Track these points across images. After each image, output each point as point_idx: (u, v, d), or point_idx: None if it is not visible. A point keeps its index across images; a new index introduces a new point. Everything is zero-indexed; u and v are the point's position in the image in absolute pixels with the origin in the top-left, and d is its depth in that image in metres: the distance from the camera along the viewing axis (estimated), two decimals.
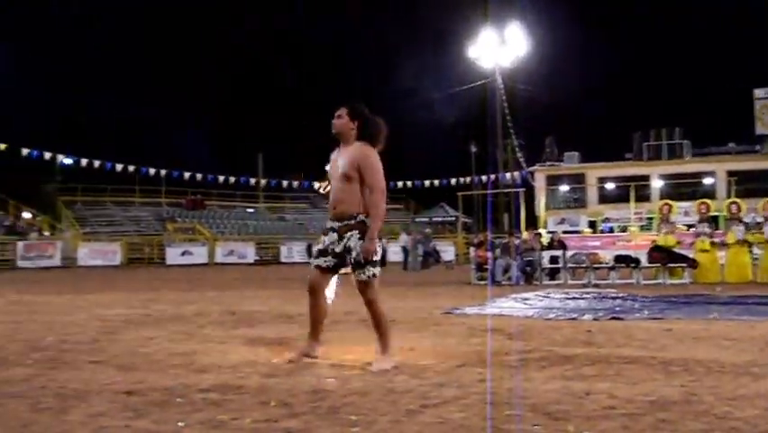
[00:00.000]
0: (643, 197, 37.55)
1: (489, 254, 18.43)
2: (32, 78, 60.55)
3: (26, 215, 40.50)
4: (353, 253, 5.39)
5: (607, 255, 17.89)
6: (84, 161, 39.03)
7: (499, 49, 42.90)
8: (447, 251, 38.41)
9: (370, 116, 5.63)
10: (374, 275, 5.45)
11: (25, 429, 3.60)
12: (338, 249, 5.51)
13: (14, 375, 5.06)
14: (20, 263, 33.22)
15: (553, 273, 18.07)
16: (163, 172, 42.22)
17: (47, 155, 37.99)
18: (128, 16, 67.06)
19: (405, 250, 31.62)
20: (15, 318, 9.17)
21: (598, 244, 21.81)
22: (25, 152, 36.74)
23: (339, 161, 5.54)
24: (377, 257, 5.45)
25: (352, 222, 5.43)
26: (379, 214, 5.41)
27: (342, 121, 5.59)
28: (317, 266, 5.68)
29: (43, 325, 8.36)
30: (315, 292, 5.77)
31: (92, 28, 65.01)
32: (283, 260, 41.47)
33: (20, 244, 34.29)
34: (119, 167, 39.65)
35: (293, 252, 42.17)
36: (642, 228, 31.08)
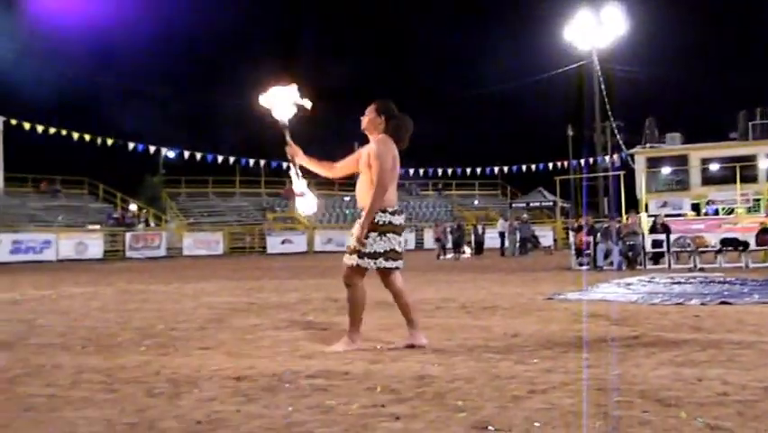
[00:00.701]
0: (749, 178, 36.22)
1: (589, 238, 18.14)
2: (138, 75, 62.50)
3: (133, 207, 41.89)
4: (350, 241, 5.74)
5: (712, 239, 17.39)
6: (186, 154, 40.19)
7: (596, 30, 42.04)
8: (545, 236, 37.97)
9: (397, 114, 5.79)
10: (357, 265, 5.70)
11: (142, 414, 3.73)
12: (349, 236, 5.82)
13: (129, 362, 5.24)
14: (128, 254, 34.40)
15: (656, 258, 17.66)
16: (262, 163, 43.08)
17: (152, 149, 39.28)
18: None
19: (502, 235, 31.40)
20: (127, 307, 9.51)
21: (702, 227, 21.16)
22: (131, 146, 38.09)
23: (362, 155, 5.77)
24: (368, 248, 5.63)
25: (363, 213, 5.68)
26: (372, 207, 5.58)
27: (369, 117, 5.80)
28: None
29: (153, 313, 8.66)
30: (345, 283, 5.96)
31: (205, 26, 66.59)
32: None
33: (128, 235, 35.50)
34: (220, 159, 40.69)
35: None
36: (749, 210, 30.03)
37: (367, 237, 5.60)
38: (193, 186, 47.05)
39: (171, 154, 41.98)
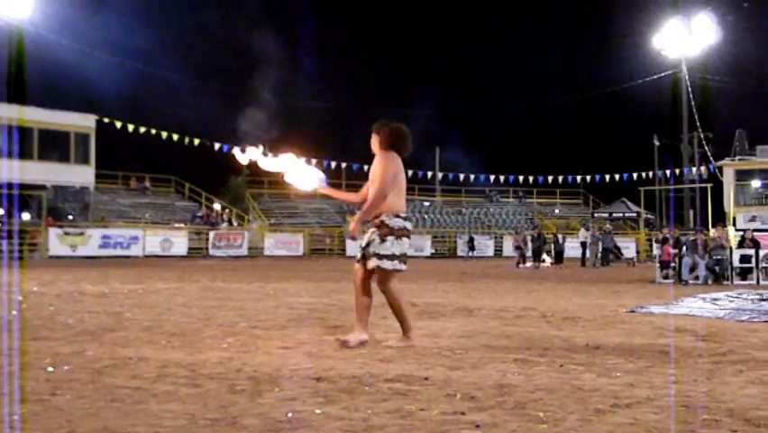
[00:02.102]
0: None
1: (674, 251, 17.73)
2: (224, 76, 63.78)
3: (217, 206, 42.75)
4: (370, 247, 6.08)
5: None
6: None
7: (686, 39, 41.12)
8: (628, 247, 37.22)
9: (391, 126, 6.32)
10: (378, 267, 6.06)
11: (224, 410, 3.79)
12: (363, 243, 6.21)
13: (212, 358, 5.34)
14: (211, 252, 35.08)
15: (744, 273, 17.15)
16: (344, 165, 43.44)
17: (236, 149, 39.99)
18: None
19: (584, 245, 30.94)
20: (210, 304, 9.70)
21: None
22: (217, 146, 38.86)
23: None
24: (386, 251, 6.02)
25: (375, 220, 6.11)
26: (369, 205, 6.10)
27: (372, 141, 6.38)
28: (358, 259, 6.31)
29: (235, 311, 8.80)
30: (355, 283, 6.37)
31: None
32: (459, 253, 41.57)
33: (211, 234, 36.22)
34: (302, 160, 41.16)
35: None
36: None
37: (384, 240, 6.01)
38: (275, 187, 47.71)
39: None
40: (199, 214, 40.14)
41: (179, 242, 34.75)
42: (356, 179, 46.56)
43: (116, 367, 4.94)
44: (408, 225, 6.16)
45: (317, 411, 3.75)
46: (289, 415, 3.67)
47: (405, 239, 6.09)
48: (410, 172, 45.27)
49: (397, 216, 6.04)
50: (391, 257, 6.00)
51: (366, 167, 6.77)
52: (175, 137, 37.36)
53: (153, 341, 6.20)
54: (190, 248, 35.05)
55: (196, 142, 37.99)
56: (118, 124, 36.15)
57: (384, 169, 6.07)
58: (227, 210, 42.56)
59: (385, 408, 3.84)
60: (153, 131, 36.87)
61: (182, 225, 37.95)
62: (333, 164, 42.68)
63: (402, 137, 6.28)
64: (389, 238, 5.97)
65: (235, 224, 41.29)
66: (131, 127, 36.33)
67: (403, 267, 6.12)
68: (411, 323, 6.23)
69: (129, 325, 7.29)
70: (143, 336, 6.52)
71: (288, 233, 40.36)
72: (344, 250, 39.44)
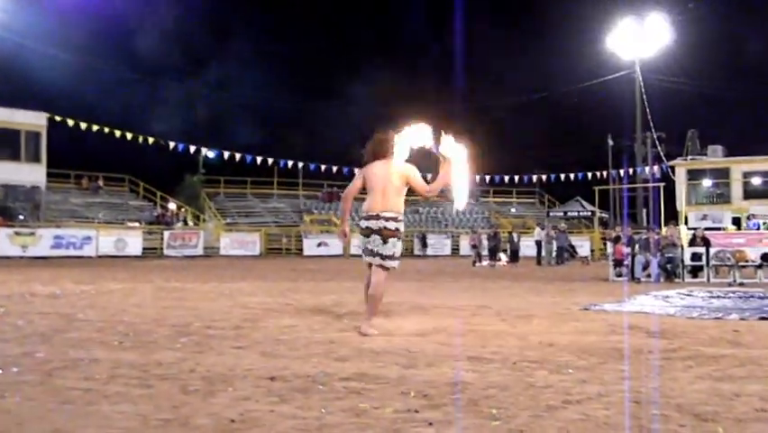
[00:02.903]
0: None
1: (627, 250, 17.96)
2: (178, 75, 63.20)
3: (172, 205, 42.32)
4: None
5: (753, 253, 17.12)
6: (226, 155, 40.54)
7: (639, 39, 41.68)
8: (582, 246, 37.66)
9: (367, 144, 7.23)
10: (395, 268, 7.02)
11: (176, 410, 3.76)
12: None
13: (164, 358, 5.29)
14: (166, 252, 34.73)
15: (695, 271, 17.44)
16: (301, 165, 43.32)
17: (192, 149, 39.68)
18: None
19: (539, 244, 31.20)
20: (163, 304, 9.60)
21: (743, 241, 20.83)
22: (172, 145, 38.50)
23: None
24: (399, 253, 7.01)
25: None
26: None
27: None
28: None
29: (189, 311, 8.72)
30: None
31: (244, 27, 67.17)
32: (416, 252, 41.68)
33: (166, 234, 35.85)
34: (259, 160, 40.97)
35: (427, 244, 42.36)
36: None
37: (387, 242, 6.83)
38: (231, 186, 47.44)
39: (211, 154, 42.37)
40: (154, 213, 39.72)
41: (134, 242, 34.32)
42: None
43: (67, 369, 4.88)
44: (369, 225, 6.87)
45: (271, 411, 3.74)
46: (242, 415, 3.65)
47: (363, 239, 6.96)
48: None
49: (399, 220, 6.96)
50: (396, 258, 7.00)
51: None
52: (129, 135, 36.91)
53: (105, 342, 6.12)
54: (145, 248, 34.65)
55: (151, 140, 37.58)
56: (70, 122, 35.57)
57: (355, 179, 7.24)
58: (182, 209, 42.17)
59: (339, 406, 3.84)
60: (106, 129, 36.38)
61: (136, 224, 37.50)
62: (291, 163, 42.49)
63: (371, 147, 7.15)
64: (395, 240, 6.91)
65: (191, 223, 40.93)
66: (83, 125, 35.79)
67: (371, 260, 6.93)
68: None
69: (81, 326, 7.19)
70: (95, 336, 6.43)
71: (245, 232, 40.09)
72: (301, 250, 39.32)
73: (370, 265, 6.91)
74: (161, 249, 35.10)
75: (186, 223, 40.37)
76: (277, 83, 61.56)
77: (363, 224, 6.86)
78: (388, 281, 7.00)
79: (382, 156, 6.99)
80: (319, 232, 42.63)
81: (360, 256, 7.19)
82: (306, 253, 38.77)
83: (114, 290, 12.05)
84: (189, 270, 21.40)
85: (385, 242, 6.79)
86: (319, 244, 39.76)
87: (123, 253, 32.89)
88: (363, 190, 7.13)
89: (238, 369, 4.86)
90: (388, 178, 6.90)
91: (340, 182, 48.66)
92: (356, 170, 7.22)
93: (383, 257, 6.80)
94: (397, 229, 6.87)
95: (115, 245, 33.24)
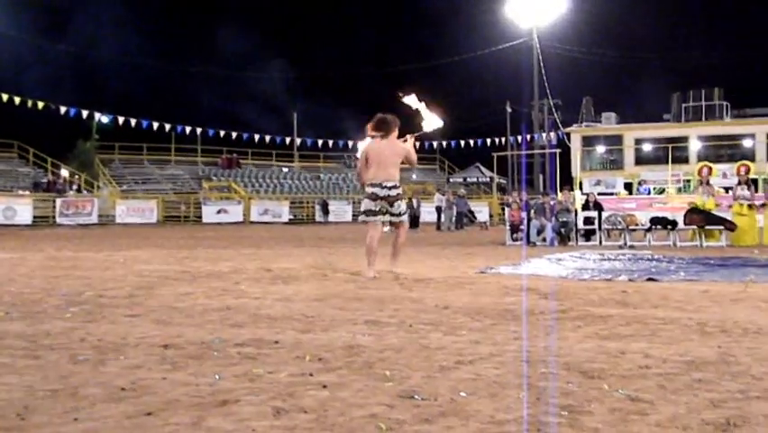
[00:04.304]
0: (680, 158, 37.11)
1: (524, 215, 18.37)
2: (69, 36, 60.94)
3: (64, 172, 40.98)
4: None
5: (643, 217, 17.74)
6: (121, 120, 39.43)
7: (536, 8, 42.34)
8: (481, 211, 38.33)
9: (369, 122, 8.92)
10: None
11: (65, 380, 3.65)
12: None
13: (53, 328, 5.13)
14: (59, 220, 33.70)
15: (588, 235, 17.97)
16: (199, 131, 42.54)
17: (84, 113, 38.42)
18: None
19: (439, 210, 31.59)
20: (54, 273, 9.31)
21: (634, 205, 21.58)
22: (63, 110, 37.19)
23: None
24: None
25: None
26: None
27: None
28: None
29: (81, 280, 8.48)
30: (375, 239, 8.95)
31: None
32: (318, 219, 41.64)
33: (58, 202, 34.76)
34: (155, 125, 40.03)
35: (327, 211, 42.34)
36: (679, 190, 30.76)
37: (393, 205, 8.72)
38: (127, 152, 46.26)
39: (105, 119, 41.13)
40: (44, 180, 38.37)
41: (23, 210, 33.18)
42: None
43: None
44: (375, 191, 8.63)
45: (163, 378, 3.68)
46: (133, 383, 3.58)
47: (367, 202, 8.75)
48: (267, 138, 44.96)
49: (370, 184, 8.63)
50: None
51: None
52: (17, 100, 35.47)
53: None
54: (35, 217, 33.55)
55: (41, 105, 36.21)
56: None
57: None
58: (75, 176, 40.88)
59: (233, 372, 3.80)
60: None
61: (26, 192, 36.20)
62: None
63: (371, 123, 8.85)
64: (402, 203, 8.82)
65: (84, 191, 39.75)
66: None
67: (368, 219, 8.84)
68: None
69: None
70: None
71: (141, 199, 39.25)
72: (200, 217, 38.75)
73: (380, 226, 8.89)
74: (53, 218, 34.06)
75: (79, 190, 39.18)
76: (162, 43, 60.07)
77: (369, 189, 8.61)
78: (371, 236, 8.82)
79: (382, 133, 8.68)
80: (219, 199, 42.06)
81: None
82: (205, 220, 38.27)
83: (2, 260, 11.62)
84: (83, 239, 20.82)
85: (392, 205, 8.69)
86: (219, 211, 39.28)
87: (12, 221, 31.77)
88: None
89: (130, 337, 4.76)
90: (387, 154, 8.65)
91: (239, 148, 48.10)
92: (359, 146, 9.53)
93: (395, 215, 8.80)
94: (398, 194, 8.76)
95: (3, 214, 32.09)
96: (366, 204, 8.73)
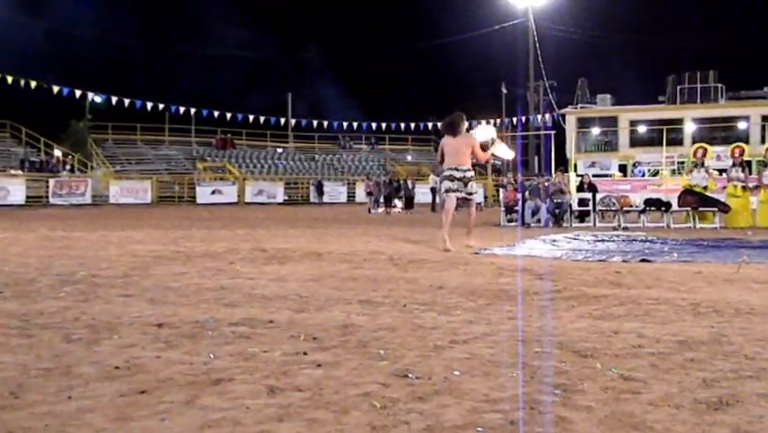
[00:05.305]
0: (675, 140, 37.12)
1: (519, 196, 18.36)
2: (63, 16, 60.55)
3: (57, 152, 40.83)
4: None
5: (637, 199, 17.76)
6: (114, 99, 39.26)
7: None
8: (477, 192, 38.29)
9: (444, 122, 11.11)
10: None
11: (58, 359, 3.65)
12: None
13: (47, 307, 5.13)
14: (52, 200, 33.62)
15: (582, 216, 17.99)
16: (193, 111, 42.38)
17: (77, 93, 38.24)
18: None
19: (433, 191, 31.57)
20: (48, 253, 9.30)
21: (628, 187, 21.62)
22: (56, 89, 37.01)
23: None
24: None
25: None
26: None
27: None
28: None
29: (75, 260, 8.48)
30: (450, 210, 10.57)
31: None
32: (312, 200, 41.61)
33: (51, 182, 34.65)
34: (149, 105, 39.87)
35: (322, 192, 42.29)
36: (673, 172, 30.78)
37: (467, 185, 10.55)
38: (120, 132, 46.09)
39: (98, 99, 40.95)
40: (36, 160, 38.20)
41: (16, 190, 33.09)
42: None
43: None
44: (452, 173, 10.43)
45: (157, 357, 3.68)
46: (127, 361, 3.58)
47: (447, 182, 10.47)
48: (262, 120, 44.82)
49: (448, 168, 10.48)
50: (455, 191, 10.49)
51: None
52: (9, 79, 35.29)
53: None
54: (28, 197, 33.45)
55: (33, 84, 36.03)
56: None
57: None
58: (69, 156, 40.73)
59: (227, 351, 3.81)
60: None
61: (19, 172, 36.08)
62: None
63: (444, 127, 10.98)
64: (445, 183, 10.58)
65: (77, 171, 39.63)
66: None
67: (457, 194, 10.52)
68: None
69: None
70: None
71: (135, 180, 39.14)
72: (194, 197, 38.69)
73: (455, 199, 10.45)
74: (47, 198, 33.97)
75: (72, 170, 39.05)
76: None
77: (447, 172, 10.46)
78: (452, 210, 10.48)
79: (453, 131, 10.56)
80: (213, 179, 41.98)
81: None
82: (199, 201, 38.22)
83: None
84: (76, 219, 20.78)
85: (466, 185, 10.46)
86: (213, 192, 39.22)
87: (5, 201, 31.70)
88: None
89: (125, 317, 4.76)
90: (458, 145, 10.47)
91: (233, 129, 47.96)
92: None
93: (469, 194, 10.57)
94: (471, 176, 10.58)
95: None
96: (446, 184, 10.47)
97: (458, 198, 10.56)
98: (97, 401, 2.96)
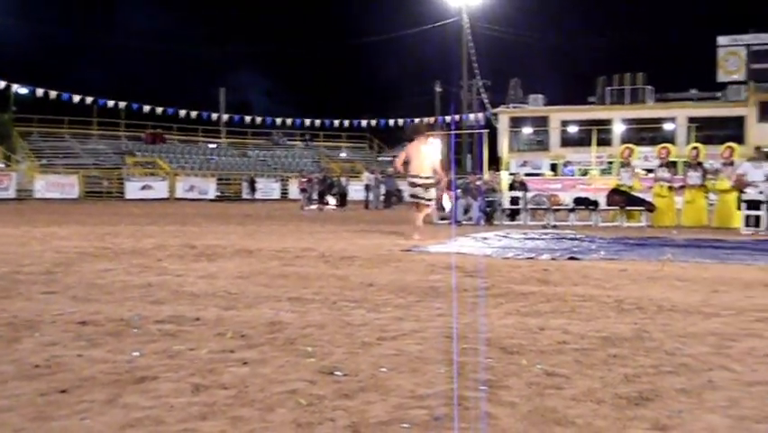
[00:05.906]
0: (604, 141, 37.76)
1: (451, 194, 18.48)
2: None
3: None
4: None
5: (566, 198, 18.03)
6: (40, 91, 38.29)
7: None
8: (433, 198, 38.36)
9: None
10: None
11: None
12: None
13: None
14: None
15: (513, 214, 18.19)
16: (123, 105, 41.60)
17: (1, 84, 37.20)
18: None
19: (367, 188, 31.62)
20: None
21: (558, 186, 21.90)
22: None
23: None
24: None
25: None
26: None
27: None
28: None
29: None
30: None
31: None
32: (244, 196, 41.25)
33: None
34: (76, 98, 39.00)
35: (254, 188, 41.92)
36: (603, 172, 31.35)
37: (428, 191, 12.06)
38: (46, 125, 44.96)
39: (23, 90, 39.85)
40: None
41: None
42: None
43: None
44: (413, 180, 11.91)
45: (79, 355, 3.60)
46: (48, 360, 3.50)
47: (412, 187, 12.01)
48: (194, 114, 44.22)
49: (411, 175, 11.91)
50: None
51: None
52: None
53: None
54: None
55: None
56: None
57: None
58: None
59: (152, 349, 3.75)
60: None
61: None
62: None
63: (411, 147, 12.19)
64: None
65: (1, 164, 38.54)
66: None
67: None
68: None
69: None
70: None
71: (62, 174, 38.23)
72: (122, 193, 37.99)
73: (417, 204, 12.03)
74: None
75: None
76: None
77: (410, 180, 11.95)
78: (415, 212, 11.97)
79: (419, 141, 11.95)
80: (143, 175, 41.27)
81: None
82: (128, 196, 37.53)
83: None
84: None
85: (426, 190, 11.86)
86: (143, 188, 38.56)
87: None
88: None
89: (46, 314, 4.65)
90: (423, 155, 11.79)
91: (164, 123, 47.24)
92: None
93: (426, 199, 11.96)
94: (431, 184, 11.87)
95: None
96: (411, 189, 12.09)
97: (417, 201, 12.08)
98: (16, 401, 2.88)
